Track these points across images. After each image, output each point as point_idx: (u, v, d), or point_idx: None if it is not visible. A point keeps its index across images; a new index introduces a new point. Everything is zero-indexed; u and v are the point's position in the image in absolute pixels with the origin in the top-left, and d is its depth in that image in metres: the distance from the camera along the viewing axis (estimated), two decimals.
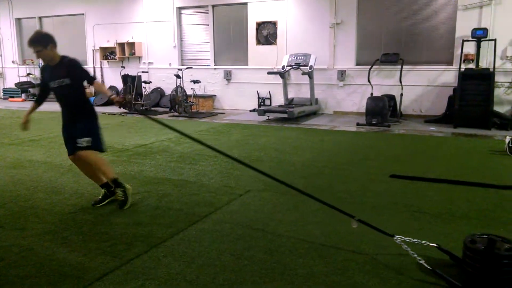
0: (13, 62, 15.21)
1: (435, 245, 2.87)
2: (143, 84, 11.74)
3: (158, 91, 12.45)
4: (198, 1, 11.81)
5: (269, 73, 10.23)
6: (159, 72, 12.51)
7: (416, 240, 2.90)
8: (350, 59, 10.32)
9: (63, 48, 14.53)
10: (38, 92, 4.17)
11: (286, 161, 5.76)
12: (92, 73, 4.07)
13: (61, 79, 3.77)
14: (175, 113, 10.59)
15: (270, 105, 10.94)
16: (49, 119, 9.77)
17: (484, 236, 2.57)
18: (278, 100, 10.85)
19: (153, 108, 11.62)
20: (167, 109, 11.37)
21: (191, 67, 11.41)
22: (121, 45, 12.86)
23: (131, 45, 12.75)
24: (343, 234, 3.29)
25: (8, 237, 3.31)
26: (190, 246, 3.13)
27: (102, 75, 13.60)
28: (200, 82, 10.97)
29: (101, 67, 13.59)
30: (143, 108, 11.14)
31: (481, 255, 2.44)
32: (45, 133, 7.88)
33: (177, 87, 10.70)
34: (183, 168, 5.39)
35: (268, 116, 9.68)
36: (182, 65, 12.07)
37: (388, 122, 8.66)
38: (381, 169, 5.26)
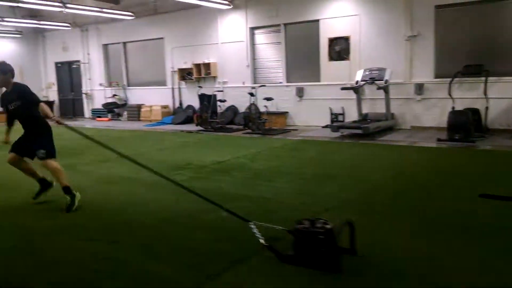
0: (100, 84, 16.51)
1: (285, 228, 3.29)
2: (218, 103, 12.15)
3: (232, 109, 12.81)
4: (270, 20, 12.08)
5: (343, 88, 10.13)
6: (233, 90, 12.88)
7: (268, 224, 3.50)
8: (428, 72, 9.93)
9: (145, 70, 15.53)
10: (6, 114, 4.81)
11: (363, 179, 5.63)
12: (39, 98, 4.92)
13: (15, 101, 4.60)
14: (249, 130, 10.81)
15: (343, 121, 10.79)
16: (132, 137, 10.44)
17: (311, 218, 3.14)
18: (351, 116, 10.68)
19: (227, 126, 11.96)
20: (241, 127, 11.64)
21: (265, 85, 11.62)
22: (197, 66, 13.46)
23: (207, 65, 13.30)
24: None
25: (104, 250, 3.56)
26: (275, 264, 3.15)
27: (180, 95, 14.30)
28: (273, 99, 11.13)
29: (179, 88, 14.30)
30: (218, 125, 11.50)
31: (301, 232, 3.06)
32: (129, 151, 8.38)
33: (250, 104, 10.95)
34: (260, 185, 5.48)
35: (342, 132, 9.55)
36: (255, 83, 12.34)
37: (472, 137, 8.15)
38: (468, 188, 4.96)
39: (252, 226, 3.49)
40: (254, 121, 10.76)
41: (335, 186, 5.32)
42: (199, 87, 12.87)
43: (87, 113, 17.12)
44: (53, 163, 4.68)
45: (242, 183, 5.61)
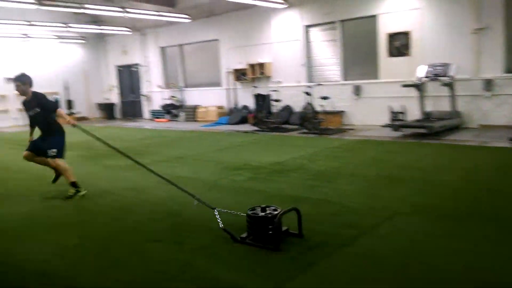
0: (158, 86, 17.00)
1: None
2: (273, 102, 12.08)
3: (287, 109, 12.69)
4: (325, 18, 11.83)
5: (404, 85, 9.69)
6: (288, 90, 12.76)
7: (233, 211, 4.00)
8: (497, 66, 9.27)
9: (200, 72, 15.71)
10: (28, 117, 5.50)
11: (433, 182, 5.31)
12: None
13: (36, 107, 5.28)
14: (305, 130, 10.64)
15: (404, 119, 10.32)
16: (190, 138, 10.61)
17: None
18: (412, 114, 10.19)
19: (283, 125, 11.86)
20: (296, 126, 11.49)
21: (321, 84, 11.39)
22: (252, 66, 13.47)
23: (261, 65, 13.27)
24: None
25: (168, 251, 3.57)
26: (347, 271, 3.02)
27: (235, 96, 14.39)
28: (329, 98, 10.88)
29: (234, 88, 14.39)
30: (274, 125, 11.42)
31: (251, 217, 3.59)
32: (189, 151, 8.53)
33: (306, 104, 10.77)
34: (320, 187, 5.32)
35: (404, 132, 9.14)
36: (310, 82, 12.15)
37: None
38: None
39: (216, 213, 3.99)
40: (310, 120, 10.57)
41: (403, 189, 5.06)
42: (254, 87, 12.87)
43: (146, 114, 17.69)
44: (60, 162, 5.35)
45: (302, 185, 5.48)
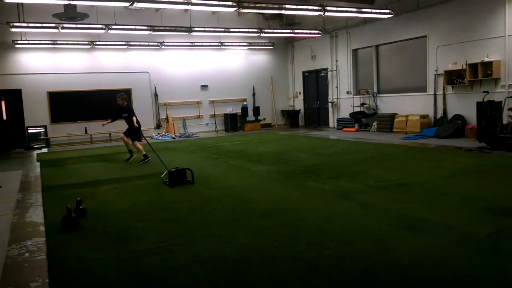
0: (347, 92, 15.51)
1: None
2: (508, 112, 9.31)
3: None
4: None
5: None
6: None
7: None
8: None
9: (399, 75, 13.35)
10: (113, 115, 9.58)
11: None
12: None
13: (125, 113, 9.36)
14: None
15: None
16: (394, 155, 8.69)
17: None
18: None
19: None
20: None
21: None
22: (473, 66, 10.81)
23: (486, 65, 10.53)
24: None
25: None
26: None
27: (444, 103, 11.89)
28: None
29: (444, 93, 11.90)
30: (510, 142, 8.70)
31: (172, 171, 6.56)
32: (407, 174, 6.67)
33: None
34: None
35: None
36: None
37: None
38: None
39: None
40: None
41: None
42: (485, 92, 10.16)
43: (332, 122, 16.38)
44: (137, 144, 9.29)
45: None
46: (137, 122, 9.09)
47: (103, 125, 9.86)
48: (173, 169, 6.53)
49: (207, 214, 4.97)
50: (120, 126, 10.65)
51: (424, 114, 12.37)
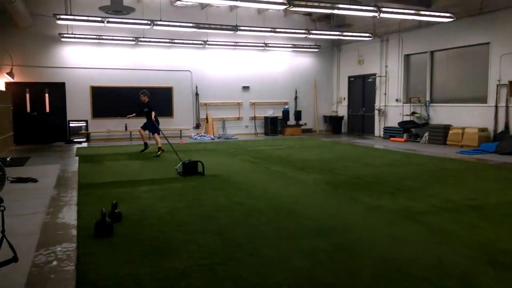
0: (396, 100, 14.67)
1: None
2: None
3: None
4: None
5: None
6: None
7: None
8: None
9: (456, 84, 12.41)
10: (137, 110, 10.75)
11: None
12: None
13: (146, 108, 10.49)
14: None
15: None
16: (454, 172, 7.89)
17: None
18: None
19: None
20: None
21: None
22: None
23: None
24: None
25: None
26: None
27: (507, 116, 10.90)
28: None
29: (507, 106, 10.91)
30: None
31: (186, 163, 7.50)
32: (476, 194, 5.91)
33: None
34: None
35: None
36: None
37: None
38: None
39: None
40: None
41: None
42: None
43: (378, 131, 15.55)
44: (157, 136, 10.27)
45: None
46: (155, 117, 9.91)
47: (128, 117, 11.01)
48: (186, 161, 7.47)
49: (251, 227, 4.46)
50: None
51: (483, 127, 11.41)
